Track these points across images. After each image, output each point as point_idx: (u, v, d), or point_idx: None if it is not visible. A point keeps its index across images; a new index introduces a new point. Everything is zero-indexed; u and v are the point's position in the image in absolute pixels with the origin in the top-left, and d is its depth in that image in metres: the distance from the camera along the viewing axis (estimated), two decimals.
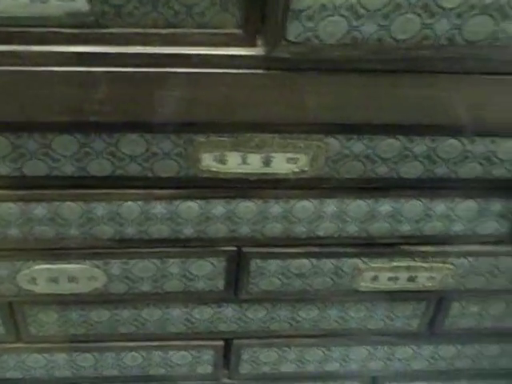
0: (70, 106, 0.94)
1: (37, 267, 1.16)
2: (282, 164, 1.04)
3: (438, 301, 1.33)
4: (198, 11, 0.89)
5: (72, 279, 1.18)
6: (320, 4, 0.85)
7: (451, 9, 0.87)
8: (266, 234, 1.15)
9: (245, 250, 1.18)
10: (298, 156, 1.03)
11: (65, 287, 1.19)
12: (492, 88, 0.98)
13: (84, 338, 1.33)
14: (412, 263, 1.21)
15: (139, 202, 1.08)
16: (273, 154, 1.03)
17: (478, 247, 1.22)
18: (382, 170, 1.07)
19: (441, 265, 1.22)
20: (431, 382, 1.53)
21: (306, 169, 1.05)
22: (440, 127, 1.02)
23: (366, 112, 0.99)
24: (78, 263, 1.16)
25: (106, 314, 1.27)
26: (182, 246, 1.16)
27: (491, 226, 1.18)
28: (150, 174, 1.05)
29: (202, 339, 1.36)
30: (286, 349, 1.39)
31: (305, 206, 1.11)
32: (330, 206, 1.11)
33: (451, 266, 1.22)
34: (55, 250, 1.15)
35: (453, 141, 1.04)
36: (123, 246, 1.15)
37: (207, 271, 1.20)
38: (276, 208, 1.11)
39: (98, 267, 1.17)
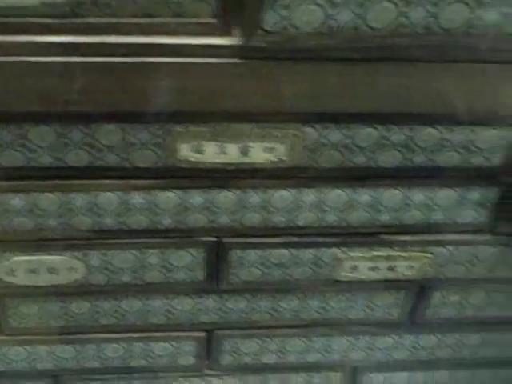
0: (46, 96, 0.94)
1: (16, 259, 1.16)
2: (260, 154, 1.04)
3: (418, 290, 1.33)
4: (174, 0, 0.88)
5: (51, 270, 1.18)
6: None
7: None
8: (245, 224, 1.15)
9: (224, 240, 1.18)
10: (275, 145, 1.03)
11: (44, 279, 1.19)
12: (469, 76, 0.98)
13: (65, 329, 1.33)
14: (391, 252, 1.22)
15: (117, 193, 1.08)
16: (250, 144, 1.03)
17: (457, 236, 1.22)
18: (360, 160, 1.07)
19: (420, 254, 1.22)
20: (412, 371, 1.54)
21: (284, 158, 1.05)
22: (417, 116, 1.03)
23: (343, 101, 0.99)
24: (57, 254, 1.16)
25: (86, 306, 1.27)
26: (161, 237, 1.16)
27: (470, 215, 1.18)
28: (127, 165, 1.05)
29: (183, 330, 1.36)
30: (267, 339, 1.39)
31: (283, 195, 1.11)
32: (309, 195, 1.11)
33: (430, 255, 1.23)
34: (34, 242, 1.14)
35: (430, 129, 1.04)
36: (102, 237, 1.15)
37: (187, 262, 1.20)
38: (254, 198, 1.11)
39: (77, 258, 1.17)
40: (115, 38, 0.91)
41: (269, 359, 1.44)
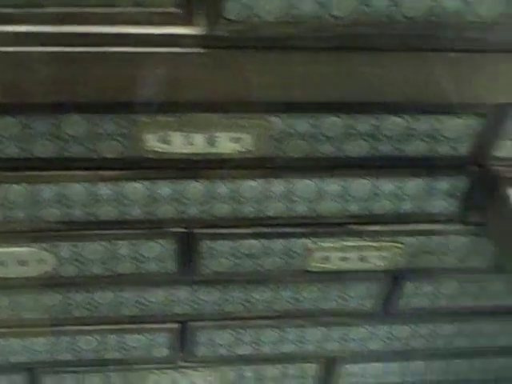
0: (9, 87, 0.94)
1: None
2: (227, 144, 1.04)
3: (390, 281, 1.33)
4: None
5: (21, 263, 1.18)
6: None
7: None
8: (215, 215, 1.15)
9: (195, 231, 1.18)
10: (241, 135, 1.03)
11: (15, 271, 1.19)
12: (434, 65, 0.98)
13: (38, 322, 1.32)
14: (362, 243, 1.22)
15: (85, 184, 1.08)
16: (217, 134, 1.03)
17: (428, 226, 1.22)
18: (328, 149, 1.07)
19: (390, 244, 1.23)
20: (388, 362, 1.54)
21: (251, 148, 1.05)
22: (382, 105, 1.03)
23: (308, 90, 0.99)
24: (26, 246, 1.16)
25: (58, 298, 1.27)
26: (130, 228, 1.16)
27: (440, 205, 1.18)
28: (94, 156, 1.05)
29: (157, 322, 1.36)
30: (241, 331, 1.39)
31: (251, 186, 1.11)
32: (277, 185, 1.12)
33: (401, 245, 1.23)
34: (3, 234, 1.14)
35: (396, 119, 1.05)
36: (71, 229, 1.15)
37: (157, 253, 1.20)
38: (223, 188, 1.11)
39: (46, 250, 1.17)
40: (77, 27, 0.91)
41: (244, 351, 1.45)
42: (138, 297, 1.29)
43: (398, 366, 1.55)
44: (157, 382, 1.50)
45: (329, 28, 0.92)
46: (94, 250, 1.17)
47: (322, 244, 1.21)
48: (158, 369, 1.48)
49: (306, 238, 1.20)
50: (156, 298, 1.29)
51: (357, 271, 1.27)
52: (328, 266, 1.25)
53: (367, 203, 1.16)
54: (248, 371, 1.51)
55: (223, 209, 1.14)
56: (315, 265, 1.24)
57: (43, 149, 1.03)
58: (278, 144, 1.05)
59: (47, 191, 1.08)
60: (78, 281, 1.24)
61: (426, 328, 1.45)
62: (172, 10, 0.91)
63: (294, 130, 1.04)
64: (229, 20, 0.90)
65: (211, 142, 1.03)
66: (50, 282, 1.24)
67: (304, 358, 1.49)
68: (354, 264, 1.25)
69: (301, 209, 1.15)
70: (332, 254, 1.22)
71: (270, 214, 1.15)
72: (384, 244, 1.22)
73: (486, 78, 1.01)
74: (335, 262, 1.24)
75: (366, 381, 1.57)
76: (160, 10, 0.91)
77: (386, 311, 1.39)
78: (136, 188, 1.09)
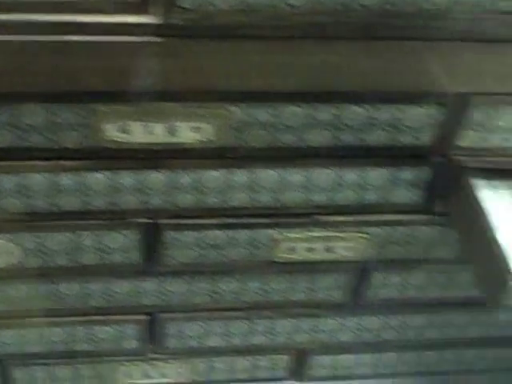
0: None
1: None
2: (187, 133, 1.04)
3: (359, 272, 1.33)
4: None
5: None
6: None
7: None
8: (179, 205, 1.15)
9: (158, 221, 1.17)
10: (201, 125, 1.03)
11: None
12: (392, 54, 0.98)
13: (5, 314, 1.32)
14: (328, 233, 1.22)
15: (46, 174, 1.08)
16: (177, 124, 1.03)
17: (393, 216, 1.22)
18: (289, 139, 1.07)
19: (356, 234, 1.22)
20: (359, 354, 1.54)
21: (212, 138, 1.05)
22: (342, 94, 1.03)
23: (265, 80, 0.99)
24: None
25: (23, 289, 1.27)
26: (94, 219, 1.16)
27: (404, 195, 1.18)
28: (55, 146, 1.05)
29: (125, 313, 1.36)
30: (210, 322, 1.40)
31: (214, 176, 1.11)
32: (240, 175, 1.11)
33: (367, 236, 1.23)
34: None
35: (356, 108, 1.04)
36: (34, 219, 1.15)
37: (121, 244, 1.20)
38: (186, 178, 1.11)
39: (11, 241, 1.16)
40: (31, 16, 0.90)
41: (214, 342, 1.45)
42: (104, 288, 1.29)
43: (369, 358, 1.55)
44: (127, 374, 1.49)
45: (285, 17, 0.92)
46: (57, 240, 1.17)
47: (288, 234, 1.21)
48: (128, 361, 1.47)
49: (271, 228, 1.20)
50: (122, 289, 1.29)
51: (324, 262, 1.26)
52: (294, 257, 1.25)
53: (331, 193, 1.16)
54: (219, 363, 1.51)
55: (186, 199, 1.13)
56: (281, 255, 1.24)
57: (1, 138, 1.03)
58: (239, 134, 1.05)
59: (7, 182, 1.08)
60: (43, 272, 1.23)
61: (396, 319, 1.45)
62: None
63: (255, 120, 1.04)
64: (183, 8, 0.90)
65: (171, 131, 1.03)
66: (16, 274, 1.23)
67: (274, 349, 1.49)
68: (320, 255, 1.25)
69: (265, 199, 1.15)
70: (298, 244, 1.22)
71: (234, 204, 1.15)
72: (350, 235, 1.22)
73: (445, 67, 1.00)
74: (301, 252, 1.23)
75: (337, 372, 1.56)
76: None
77: (355, 302, 1.39)
78: (98, 178, 1.09)
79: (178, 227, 1.18)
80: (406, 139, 1.09)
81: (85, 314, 1.34)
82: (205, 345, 1.45)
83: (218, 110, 1.02)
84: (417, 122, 1.07)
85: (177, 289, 1.30)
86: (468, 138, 1.09)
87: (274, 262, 1.26)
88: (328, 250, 1.24)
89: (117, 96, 0.99)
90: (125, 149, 1.05)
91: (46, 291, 1.27)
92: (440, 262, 1.31)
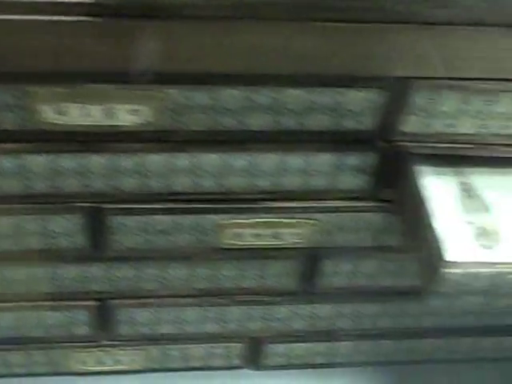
0: None
1: None
2: (125, 116, 1.03)
3: (308, 259, 1.32)
4: None
5: None
6: None
7: None
8: (122, 189, 1.14)
9: (102, 206, 1.16)
10: (140, 108, 1.02)
11: None
12: (329, 36, 0.97)
13: None
14: (274, 219, 1.21)
15: None
16: (115, 106, 1.02)
17: (341, 203, 1.21)
18: (230, 122, 1.06)
19: (303, 221, 1.22)
20: (314, 342, 1.53)
21: (151, 120, 1.04)
22: (279, 77, 1.01)
23: (202, 61, 0.98)
24: None
25: None
26: (36, 202, 1.14)
27: (351, 181, 1.17)
28: None
29: (74, 299, 1.35)
30: (161, 309, 1.39)
31: (155, 159, 1.10)
32: (182, 159, 1.10)
33: (315, 222, 1.22)
34: None
35: (295, 91, 1.03)
36: None
37: (65, 228, 1.19)
38: (127, 162, 1.10)
39: None
40: None
41: (167, 330, 1.44)
42: (50, 273, 1.27)
43: (325, 347, 1.54)
44: (80, 361, 1.49)
45: None
46: (0, 224, 1.15)
47: (234, 220, 1.20)
48: (81, 347, 1.47)
49: (216, 214, 1.19)
50: (68, 274, 1.28)
51: (272, 248, 1.25)
52: (241, 243, 1.23)
53: (276, 179, 1.15)
54: (173, 350, 1.51)
55: (129, 183, 1.13)
56: (228, 242, 1.23)
57: None
58: (178, 116, 1.04)
59: None
60: None
61: (349, 308, 1.45)
62: None
63: (193, 102, 1.03)
64: None
65: (109, 113, 1.02)
66: None
67: (228, 337, 1.49)
68: (267, 241, 1.24)
69: (208, 184, 1.14)
70: (244, 230, 1.22)
71: (178, 188, 1.14)
72: (297, 221, 1.22)
73: (385, 50, 0.99)
74: (248, 238, 1.23)
75: (292, 361, 1.55)
76: None
77: (307, 290, 1.38)
78: (38, 161, 1.08)
79: (122, 211, 1.17)
80: (349, 124, 1.08)
81: (33, 300, 1.32)
82: (157, 332, 1.44)
83: (154, 93, 1.01)
84: (358, 106, 1.06)
85: (124, 274, 1.29)
86: (411, 124, 1.08)
87: (222, 248, 1.24)
88: (275, 236, 1.22)
89: (51, 77, 0.98)
90: (64, 131, 1.04)
91: None
92: (391, 250, 1.30)
